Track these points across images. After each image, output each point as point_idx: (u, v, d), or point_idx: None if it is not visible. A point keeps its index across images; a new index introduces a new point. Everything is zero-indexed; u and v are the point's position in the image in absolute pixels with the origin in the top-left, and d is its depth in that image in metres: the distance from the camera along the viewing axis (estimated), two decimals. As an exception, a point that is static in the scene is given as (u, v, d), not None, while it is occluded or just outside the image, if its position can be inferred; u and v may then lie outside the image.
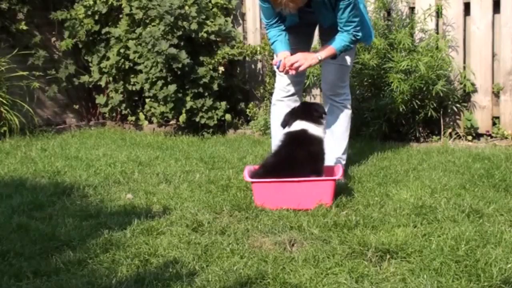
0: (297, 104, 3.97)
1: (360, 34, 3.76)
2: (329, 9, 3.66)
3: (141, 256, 2.63)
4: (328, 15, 3.70)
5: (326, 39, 3.91)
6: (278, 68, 3.73)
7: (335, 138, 3.99)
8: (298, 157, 3.43)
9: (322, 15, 3.74)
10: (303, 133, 3.52)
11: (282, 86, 4.01)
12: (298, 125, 3.54)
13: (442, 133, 5.37)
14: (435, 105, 5.24)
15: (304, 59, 3.68)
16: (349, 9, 3.62)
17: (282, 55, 3.74)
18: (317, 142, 3.52)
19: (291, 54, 3.75)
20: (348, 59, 3.98)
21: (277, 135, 4.01)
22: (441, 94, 5.15)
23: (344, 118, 4.04)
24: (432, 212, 3.11)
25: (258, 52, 6.13)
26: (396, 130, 5.47)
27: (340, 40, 3.73)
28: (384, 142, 5.25)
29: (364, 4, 3.95)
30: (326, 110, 3.93)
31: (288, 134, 3.58)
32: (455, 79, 5.37)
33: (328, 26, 3.83)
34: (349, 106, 4.09)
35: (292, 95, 4.01)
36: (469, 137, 5.33)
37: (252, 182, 3.40)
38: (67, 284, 2.35)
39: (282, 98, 4.03)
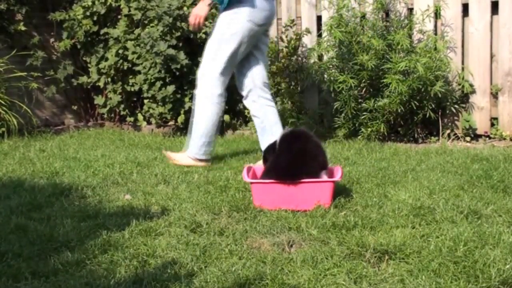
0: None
1: None
2: None
3: (140, 257, 2.62)
4: None
5: None
6: None
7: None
8: None
9: None
10: None
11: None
12: None
13: (440, 134, 5.37)
14: (433, 106, 5.24)
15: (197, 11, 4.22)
16: None
17: None
18: None
19: None
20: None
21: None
22: (439, 95, 5.15)
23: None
24: (430, 213, 3.10)
25: (256, 53, 6.11)
26: (395, 131, 5.47)
27: None
28: (382, 143, 5.25)
29: None
30: (258, 111, 4.48)
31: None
32: (453, 80, 5.37)
33: None
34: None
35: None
36: (468, 138, 5.34)
37: (251, 183, 3.40)
38: (65, 285, 2.35)
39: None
